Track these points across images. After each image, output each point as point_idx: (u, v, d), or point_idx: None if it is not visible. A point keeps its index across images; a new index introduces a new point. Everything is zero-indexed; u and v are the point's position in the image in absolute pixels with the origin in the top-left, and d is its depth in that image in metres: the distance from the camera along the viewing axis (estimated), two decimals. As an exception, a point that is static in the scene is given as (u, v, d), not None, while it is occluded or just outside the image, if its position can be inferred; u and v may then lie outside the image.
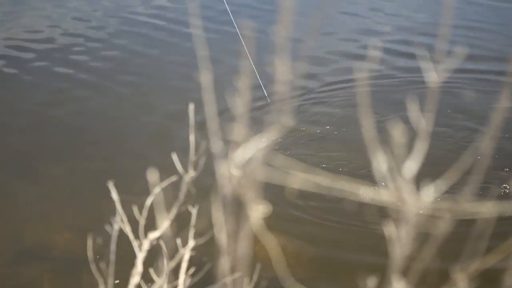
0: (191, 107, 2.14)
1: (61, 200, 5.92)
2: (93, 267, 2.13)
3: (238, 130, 1.17)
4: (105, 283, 2.10)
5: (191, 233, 2.19)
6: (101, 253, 2.23)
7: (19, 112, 7.49)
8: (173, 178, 2.23)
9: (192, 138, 2.17)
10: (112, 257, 2.04)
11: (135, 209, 2.26)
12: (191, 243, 2.22)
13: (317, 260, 5.28)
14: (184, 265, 2.24)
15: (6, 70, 8.51)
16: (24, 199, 5.93)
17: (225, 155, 1.21)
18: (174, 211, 2.14)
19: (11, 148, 6.75)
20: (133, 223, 2.21)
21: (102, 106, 7.71)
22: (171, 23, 10.30)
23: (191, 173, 2.10)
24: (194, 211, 2.31)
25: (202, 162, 2.16)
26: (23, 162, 6.50)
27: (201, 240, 2.16)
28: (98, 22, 10.37)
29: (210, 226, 1.93)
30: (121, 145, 6.83)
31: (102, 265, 2.16)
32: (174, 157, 2.13)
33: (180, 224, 2.14)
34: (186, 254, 2.26)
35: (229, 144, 1.20)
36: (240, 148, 1.18)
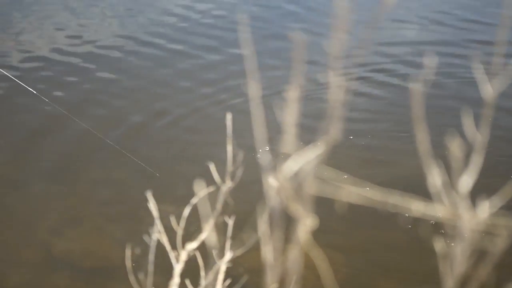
0: (229, 116, 2.13)
1: (97, 208, 5.96)
2: (131, 278, 2.12)
3: (287, 141, 1.14)
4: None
5: (228, 244, 2.17)
6: (138, 263, 2.22)
7: (55, 118, 7.57)
8: (211, 189, 2.22)
9: (229, 148, 2.16)
10: (151, 267, 2.03)
11: (173, 220, 2.25)
12: (228, 255, 2.21)
13: (366, 276, 5.22)
14: (220, 277, 2.23)
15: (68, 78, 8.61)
16: (59, 205, 5.97)
17: (274, 167, 1.19)
18: (211, 222, 2.13)
19: (48, 153, 6.81)
20: (171, 233, 2.20)
21: (142, 116, 7.77)
22: (220, 29, 10.41)
23: (229, 184, 2.09)
24: (231, 222, 2.29)
25: (241, 172, 2.14)
26: (59, 167, 6.56)
27: (239, 252, 2.14)
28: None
29: (252, 238, 1.91)
30: (160, 155, 6.87)
31: (140, 275, 2.15)
32: (212, 167, 2.11)
33: (222, 235, 2.11)
34: (222, 265, 2.25)
35: (277, 156, 1.18)
36: (289, 160, 1.16)
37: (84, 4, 11.36)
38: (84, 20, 10.78)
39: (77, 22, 10.69)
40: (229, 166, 2.10)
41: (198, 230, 2.10)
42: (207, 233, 2.12)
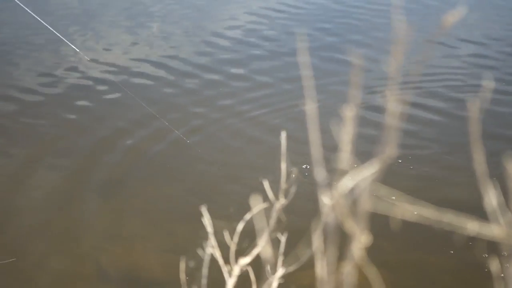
0: (283, 134, 2.16)
1: (152, 222, 6.05)
2: (185, 291, 2.15)
3: (343, 158, 1.16)
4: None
5: (281, 260, 2.18)
6: (190, 277, 2.25)
7: (120, 130, 7.74)
8: (264, 205, 2.24)
9: (283, 166, 2.18)
10: (204, 281, 2.06)
11: (226, 234, 2.28)
12: (281, 270, 2.22)
13: None
14: (272, 293, 2.24)
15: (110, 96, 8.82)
16: (113, 219, 6.08)
17: (329, 184, 1.21)
18: (264, 237, 2.15)
19: (105, 167, 6.96)
20: (224, 248, 2.23)
21: (196, 132, 7.89)
22: (275, 52, 10.55)
23: (282, 201, 2.11)
24: (283, 238, 2.30)
25: (295, 189, 2.16)
26: (115, 182, 6.69)
27: (292, 268, 2.15)
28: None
29: (305, 254, 1.92)
30: (215, 171, 6.95)
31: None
32: (266, 184, 2.14)
33: (276, 251, 2.13)
34: (275, 282, 2.26)
35: (333, 173, 1.20)
36: (344, 177, 1.17)
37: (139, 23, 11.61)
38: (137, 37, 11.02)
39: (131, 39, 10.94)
40: (283, 183, 2.12)
41: (252, 246, 2.12)
42: (260, 249, 2.15)
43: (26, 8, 6.16)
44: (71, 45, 7.05)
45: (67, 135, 7.69)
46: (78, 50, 7.19)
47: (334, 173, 1.18)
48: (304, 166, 6.69)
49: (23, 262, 5.45)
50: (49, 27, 6.34)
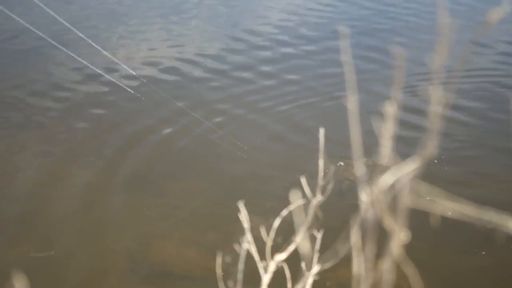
0: (322, 131, 2.16)
1: (184, 218, 6.09)
2: (220, 285, 2.17)
3: (384, 154, 1.16)
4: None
5: (316, 257, 2.18)
6: (227, 272, 2.27)
7: (148, 127, 7.82)
8: (301, 202, 2.24)
9: (321, 162, 2.19)
10: (240, 276, 2.07)
11: (263, 230, 2.29)
12: (317, 267, 2.22)
13: None
14: (307, 289, 2.24)
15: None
16: (148, 214, 6.13)
17: (369, 180, 1.21)
18: (300, 234, 2.15)
19: (134, 163, 7.03)
20: (261, 244, 2.25)
21: (232, 128, 7.94)
22: (316, 47, 10.60)
23: (319, 197, 2.11)
24: (319, 235, 2.30)
25: (332, 185, 2.17)
26: (144, 178, 6.76)
27: (328, 265, 2.15)
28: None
29: (342, 251, 1.92)
30: (252, 167, 6.97)
31: (229, 284, 2.20)
32: (303, 180, 2.14)
33: (313, 248, 2.13)
34: (310, 278, 2.26)
35: (373, 169, 1.20)
36: (385, 173, 1.17)
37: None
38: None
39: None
40: (320, 179, 2.12)
41: (288, 242, 2.13)
42: (296, 245, 2.15)
43: (59, 18, 6.23)
44: (112, 57, 7.08)
45: (99, 133, 7.78)
46: (120, 63, 7.19)
47: (374, 170, 1.18)
48: (338, 164, 6.67)
49: (56, 254, 5.53)
50: (82, 36, 6.39)
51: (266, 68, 9.72)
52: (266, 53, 10.35)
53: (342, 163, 6.63)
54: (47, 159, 7.12)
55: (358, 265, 1.28)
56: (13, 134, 7.65)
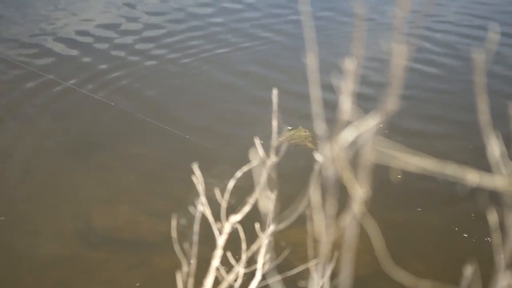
0: (275, 92, 2.14)
1: (139, 181, 6.03)
2: (176, 248, 2.15)
3: (344, 111, 1.15)
4: (188, 264, 2.12)
5: (270, 218, 2.18)
6: (182, 234, 2.26)
7: (97, 85, 7.68)
8: (255, 163, 2.23)
9: (274, 123, 2.17)
10: (195, 238, 2.06)
11: (217, 192, 2.27)
12: (271, 228, 2.22)
13: (417, 247, 5.20)
14: (262, 251, 2.24)
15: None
16: (100, 179, 6.05)
17: (329, 137, 1.19)
18: (255, 195, 2.14)
19: (88, 127, 6.91)
20: (215, 205, 2.23)
21: (186, 85, 7.88)
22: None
23: (273, 158, 2.10)
24: (273, 196, 2.30)
25: (286, 146, 2.16)
26: (104, 139, 6.66)
27: (282, 226, 2.15)
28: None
29: (296, 211, 1.92)
30: (206, 126, 6.93)
31: (184, 246, 2.18)
32: (256, 141, 2.12)
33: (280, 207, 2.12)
34: (264, 239, 2.26)
35: (333, 126, 1.18)
36: (345, 129, 1.16)
37: None
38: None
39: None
40: (274, 140, 2.11)
41: (242, 203, 2.11)
42: (250, 206, 2.14)
43: None
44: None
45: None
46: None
47: (334, 126, 1.17)
48: (288, 128, 6.67)
49: (12, 219, 5.44)
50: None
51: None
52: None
53: (291, 127, 6.59)
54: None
55: (318, 223, 1.27)
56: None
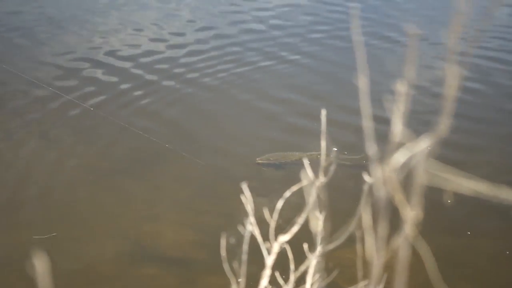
0: (324, 112, 2.15)
1: (188, 199, 6.07)
2: (225, 266, 2.17)
3: (396, 133, 1.15)
4: (237, 283, 2.14)
5: (319, 238, 2.18)
6: (231, 254, 2.28)
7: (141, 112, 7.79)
8: (304, 183, 2.23)
9: (323, 143, 2.18)
10: (244, 257, 2.07)
11: (266, 212, 2.29)
12: (319, 249, 2.22)
13: (468, 271, 5.10)
14: (311, 271, 2.24)
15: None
16: (146, 198, 6.11)
17: (381, 158, 1.20)
18: (303, 216, 2.15)
19: (139, 144, 7.00)
20: (264, 225, 2.25)
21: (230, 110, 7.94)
22: (332, 26, 10.64)
23: (322, 179, 2.11)
24: (322, 216, 2.30)
25: (334, 167, 2.16)
26: (153, 157, 6.74)
27: (332, 246, 2.15)
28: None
29: (346, 232, 1.92)
30: (254, 147, 6.96)
31: (233, 265, 2.20)
32: (305, 161, 2.13)
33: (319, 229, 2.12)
34: (313, 260, 2.26)
35: (385, 147, 1.19)
36: (397, 151, 1.16)
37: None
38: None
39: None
40: (323, 161, 2.11)
41: (291, 224, 2.12)
42: (299, 227, 2.15)
43: None
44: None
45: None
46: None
47: (388, 148, 1.17)
48: (334, 149, 6.65)
49: (63, 236, 5.52)
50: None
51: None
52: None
53: (336, 149, 6.57)
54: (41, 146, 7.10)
55: (369, 244, 1.27)
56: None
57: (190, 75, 8.86)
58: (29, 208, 5.90)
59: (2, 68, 8.56)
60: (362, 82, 1.19)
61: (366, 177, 1.54)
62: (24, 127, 7.38)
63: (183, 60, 9.32)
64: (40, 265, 1.11)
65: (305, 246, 2.26)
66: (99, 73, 8.85)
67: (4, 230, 5.62)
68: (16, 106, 7.88)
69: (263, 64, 9.26)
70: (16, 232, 5.58)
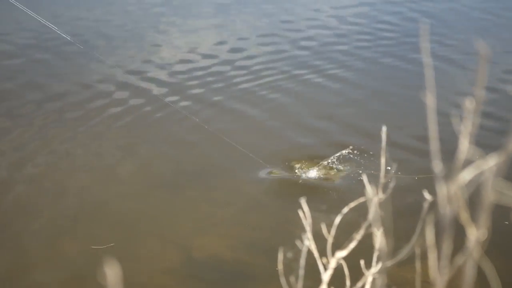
0: (384, 129, 2.14)
1: (243, 213, 6.08)
2: (282, 281, 2.17)
3: (462, 151, 1.15)
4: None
5: (375, 255, 2.17)
6: (286, 267, 2.29)
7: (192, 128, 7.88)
8: (362, 199, 2.23)
9: (383, 160, 2.17)
10: (301, 272, 2.07)
11: (324, 227, 2.29)
12: (376, 267, 2.20)
13: None
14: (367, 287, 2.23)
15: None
16: (201, 210, 6.15)
17: (446, 176, 1.19)
18: (361, 231, 2.14)
19: (195, 157, 7.07)
20: (320, 240, 2.25)
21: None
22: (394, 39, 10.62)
23: (380, 195, 2.09)
24: (378, 233, 2.28)
25: (393, 184, 2.15)
26: (205, 171, 6.79)
27: (390, 263, 2.13)
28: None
29: (405, 249, 1.90)
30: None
31: (289, 279, 2.21)
32: (364, 178, 2.12)
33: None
34: (369, 276, 2.25)
35: (450, 165, 1.18)
36: (463, 169, 1.16)
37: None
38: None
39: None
40: (382, 177, 2.10)
41: (349, 239, 2.12)
42: (356, 242, 2.14)
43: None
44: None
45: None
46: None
47: (454, 165, 1.17)
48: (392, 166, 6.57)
49: (120, 247, 5.60)
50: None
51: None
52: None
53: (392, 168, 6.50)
54: (97, 160, 7.25)
55: (432, 264, 1.26)
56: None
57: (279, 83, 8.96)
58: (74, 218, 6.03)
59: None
60: (430, 100, 1.19)
61: (426, 195, 1.53)
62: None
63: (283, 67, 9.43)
64: (112, 274, 1.14)
65: (362, 262, 2.25)
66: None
67: (67, 240, 5.74)
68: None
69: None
70: (77, 242, 5.69)
